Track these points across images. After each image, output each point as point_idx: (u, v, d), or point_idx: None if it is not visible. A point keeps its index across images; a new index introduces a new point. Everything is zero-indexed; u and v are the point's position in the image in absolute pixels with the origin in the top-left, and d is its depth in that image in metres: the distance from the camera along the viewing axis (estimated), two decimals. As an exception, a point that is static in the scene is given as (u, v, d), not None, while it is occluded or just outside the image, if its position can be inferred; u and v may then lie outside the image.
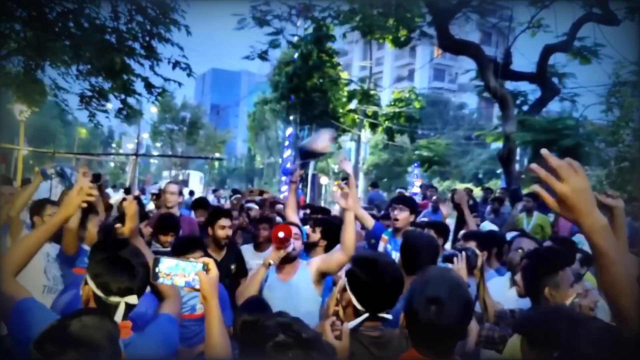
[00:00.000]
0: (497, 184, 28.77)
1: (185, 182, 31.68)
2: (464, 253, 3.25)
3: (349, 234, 3.23)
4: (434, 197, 11.22)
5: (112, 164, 47.77)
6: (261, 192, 8.87)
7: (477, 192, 29.53)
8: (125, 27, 8.61)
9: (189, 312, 3.55)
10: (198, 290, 1.84)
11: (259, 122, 27.97)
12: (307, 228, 4.92)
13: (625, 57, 11.73)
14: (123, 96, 9.21)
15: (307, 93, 17.87)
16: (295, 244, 3.58)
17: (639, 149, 11.36)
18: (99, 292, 1.91)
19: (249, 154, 45.39)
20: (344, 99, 18.13)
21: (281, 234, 3.34)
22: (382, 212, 11.37)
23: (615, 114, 12.39)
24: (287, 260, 3.49)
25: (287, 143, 20.33)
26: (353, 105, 18.22)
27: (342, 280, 2.22)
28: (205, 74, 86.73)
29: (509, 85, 12.25)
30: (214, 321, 1.85)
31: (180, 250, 3.68)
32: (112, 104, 9.75)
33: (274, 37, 11.40)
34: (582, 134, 9.52)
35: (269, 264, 3.36)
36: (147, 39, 8.43)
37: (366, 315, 2.07)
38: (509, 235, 4.91)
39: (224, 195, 16.60)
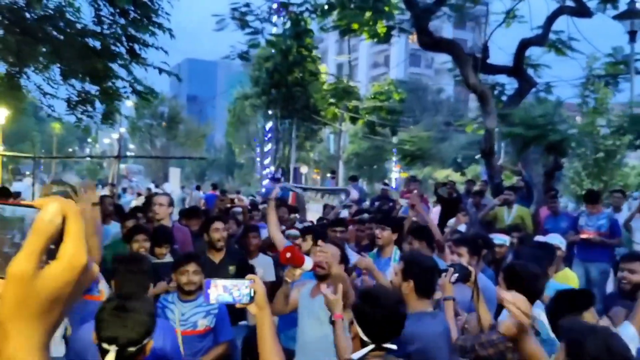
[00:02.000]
0: (476, 170, 29.18)
1: (165, 178, 31.59)
2: (451, 269, 3.46)
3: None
4: (415, 191, 11.49)
5: (88, 159, 47.14)
6: (232, 200, 8.87)
7: (456, 177, 29.98)
8: (108, 32, 8.58)
9: (190, 328, 3.69)
10: (247, 305, 1.96)
11: (239, 117, 27.98)
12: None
13: (598, 49, 12.15)
14: (110, 101, 9.18)
15: (287, 88, 17.95)
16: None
17: (613, 140, 11.83)
18: (94, 338, 2.12)
19: (227, 147, 45.24)
20: (325, 94, 18.25)
21: (288, 255, 3.50)
22: (361, 204, 11.67)
23: (590, 105, 12.80)
24: (319, 278, 3.64)
25: (268, 137, 20.51)
26: (334, 99, 18.37)
27: (351, 314, 2.41)
28: (180, 64, 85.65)
29: (487, 76, 12.54)
30: (268, 330, 1.97)
31: (177, 264, 3.87)
32: (97, 109, 9.71)
33: (253, 36, 11.45)
34: (567, 128, 9.80)
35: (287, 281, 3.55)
36: (131, 44, 8.42)
37: (372, 346, 2.25)
38: (497, 239, 5.20)
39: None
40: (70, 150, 51.17)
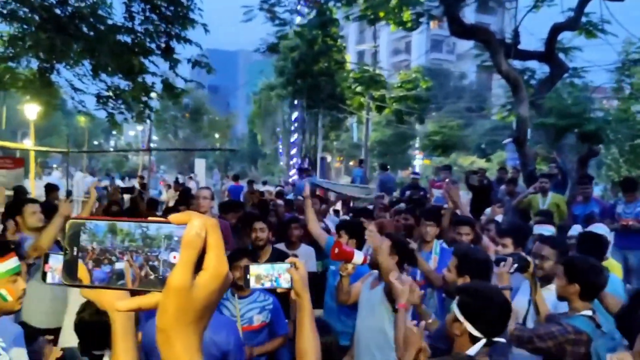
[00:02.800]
0: (502, 156, 28.86)
1: (191, 169, 31.86)
2: (509, 259, 3.44)
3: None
4: (447, 180, 11.41)
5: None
6: (262, 193, 8.94)
7: (481, 163, 29.66)
8: (140, 28, 8.66)
9: (247, 324, 3.74)
10: (288, 289, 1.97)
11: (265, 107, 28.00)
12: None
13: (633, 34, 11.82)
14: (145, 98, 9.27)
15: (313, 77, 17.91)
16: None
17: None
18: None
19: (250, 137, 45.36)
20: (351, 84, 18.17)
21: (336, 251, 3.55)
22: (392, 197, 11.60)
23: (626, 90, 12.50)
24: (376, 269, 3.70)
25: (293, 127, 20.56)
26: (360, 88, 18.28)
27: (452, 312, 2.43)
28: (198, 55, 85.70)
29: (518, 63, 12.33)
30: (307, 317, 1.97)
31: (230, 259, 3.93)
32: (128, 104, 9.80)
33: (282, 28, 11.46)
34: (601, 117, 9.62)
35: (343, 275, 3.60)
36: (165, 39, 8.48)
37: (484, 340, 2.28)
38: (544, 229, 5.13)
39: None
40: (95, 143, 51.90)
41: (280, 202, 7.96)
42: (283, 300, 3.76)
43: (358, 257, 3.56)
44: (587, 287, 2.99)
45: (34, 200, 4.70)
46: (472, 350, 2.25)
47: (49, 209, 4.54)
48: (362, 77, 17.55)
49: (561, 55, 11.72)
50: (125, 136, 51.80)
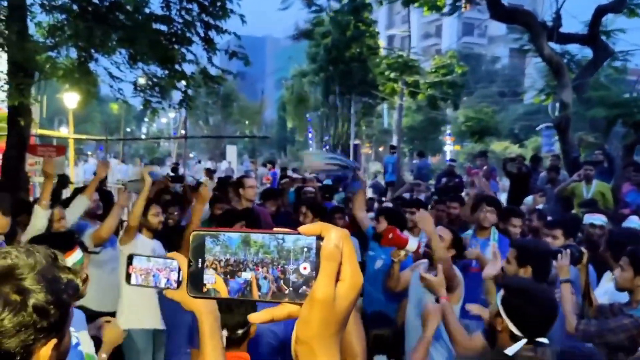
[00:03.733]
0: (537, 142, 28.27)
1: (222, 155, 32.18)
2: (568, 250, 3.38)
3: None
4: (485, 167, 11.22)
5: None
6: (303, 180, 8.90)
7: (515, 149, 29.10)
8: (178, 17, 8.70)
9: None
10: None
11: (298, 94, 28.00)
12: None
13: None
14: (184, 87, 9.34)
15: (345, 64, 17.81)
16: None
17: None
18: None
19: (279, 123, 45.46)
20: (384, 69, 17.98)
21: (390, 236, 3.52)
22: (431, 188, 11.45)
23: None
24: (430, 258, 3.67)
25: (326, 114, 20.48)
26: (393, 74, 18.08)
27: (495, 307, 2.38)
28: (229, 42, 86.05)
29: (555, 46, 12.00)
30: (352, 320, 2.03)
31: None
32: (167, 93, 9.87)
33: (317, 14, 11.37)
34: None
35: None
36: (204, 30, 8.51)
37: (525, 340, 2.23)
38: (596, 219, 5.00)
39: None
40: (128, 130, 52.71)
41: (311, 188, 7.88)
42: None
43: (412, 243, 3.53)
44: None
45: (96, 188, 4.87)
46: (511, 350, 2.20)
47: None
48: (395, 62, 17.36)
49: (603, 38, 11.37)
50: (157, 123, 52.47)
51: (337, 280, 0.68)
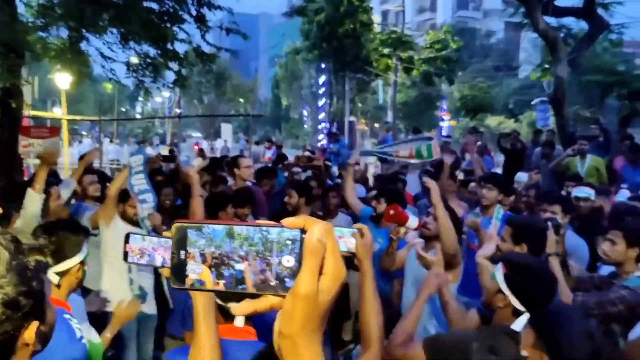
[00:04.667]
0: (531, 116, 28.25)
1: (217, 134, 32.05)
2: (550, 223, 3.39)
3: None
4: (479, 143, 11.17)
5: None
6: (310, 159, 8.86)
7: (510, 124, 29.02)
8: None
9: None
10: (353, 254, 1.99)
11: (291, 71, 27.72)
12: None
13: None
14: (176, 67, 9.23)
15: (339, 40, 17.62)
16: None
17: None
18: None
19: (274, 101, 45.21)
20: (377, 45, 17.80)
21: (391, 212, 3.52)
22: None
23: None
24: (426, 238, 3.73)
25: (321, 91, 20.34)
26: (387, 50, 17.92)
27: (494, 283, 2.40)
28: (222, 19, 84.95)
29: (552, 19, 11.91)
30: (368, 281, 2.03)
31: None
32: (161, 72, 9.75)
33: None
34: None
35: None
36: (196, 7, 8.38)
37: (528, 315, 2.22)
38: (580, 192, 5.03)
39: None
40: (122, 109, 52.32)
41: (297, 169, 7.85)
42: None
43: (413, 221, 3.53)
44: None
45: (92, 171, 4.84)
46: (517, 325, 2.21)
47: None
48: (389, 38, 17.19)
49: (600, 11, 11.27)
50: (152, 102, 52.11)
51: (320, 273, 0.68)
